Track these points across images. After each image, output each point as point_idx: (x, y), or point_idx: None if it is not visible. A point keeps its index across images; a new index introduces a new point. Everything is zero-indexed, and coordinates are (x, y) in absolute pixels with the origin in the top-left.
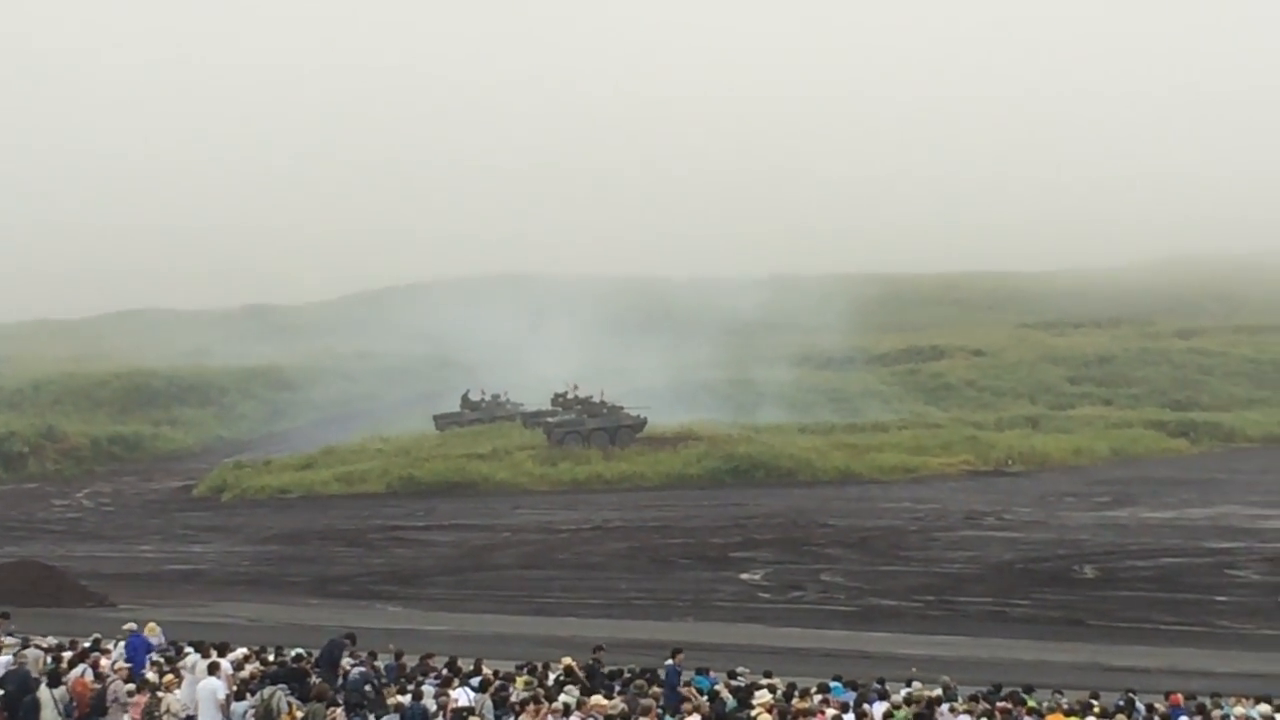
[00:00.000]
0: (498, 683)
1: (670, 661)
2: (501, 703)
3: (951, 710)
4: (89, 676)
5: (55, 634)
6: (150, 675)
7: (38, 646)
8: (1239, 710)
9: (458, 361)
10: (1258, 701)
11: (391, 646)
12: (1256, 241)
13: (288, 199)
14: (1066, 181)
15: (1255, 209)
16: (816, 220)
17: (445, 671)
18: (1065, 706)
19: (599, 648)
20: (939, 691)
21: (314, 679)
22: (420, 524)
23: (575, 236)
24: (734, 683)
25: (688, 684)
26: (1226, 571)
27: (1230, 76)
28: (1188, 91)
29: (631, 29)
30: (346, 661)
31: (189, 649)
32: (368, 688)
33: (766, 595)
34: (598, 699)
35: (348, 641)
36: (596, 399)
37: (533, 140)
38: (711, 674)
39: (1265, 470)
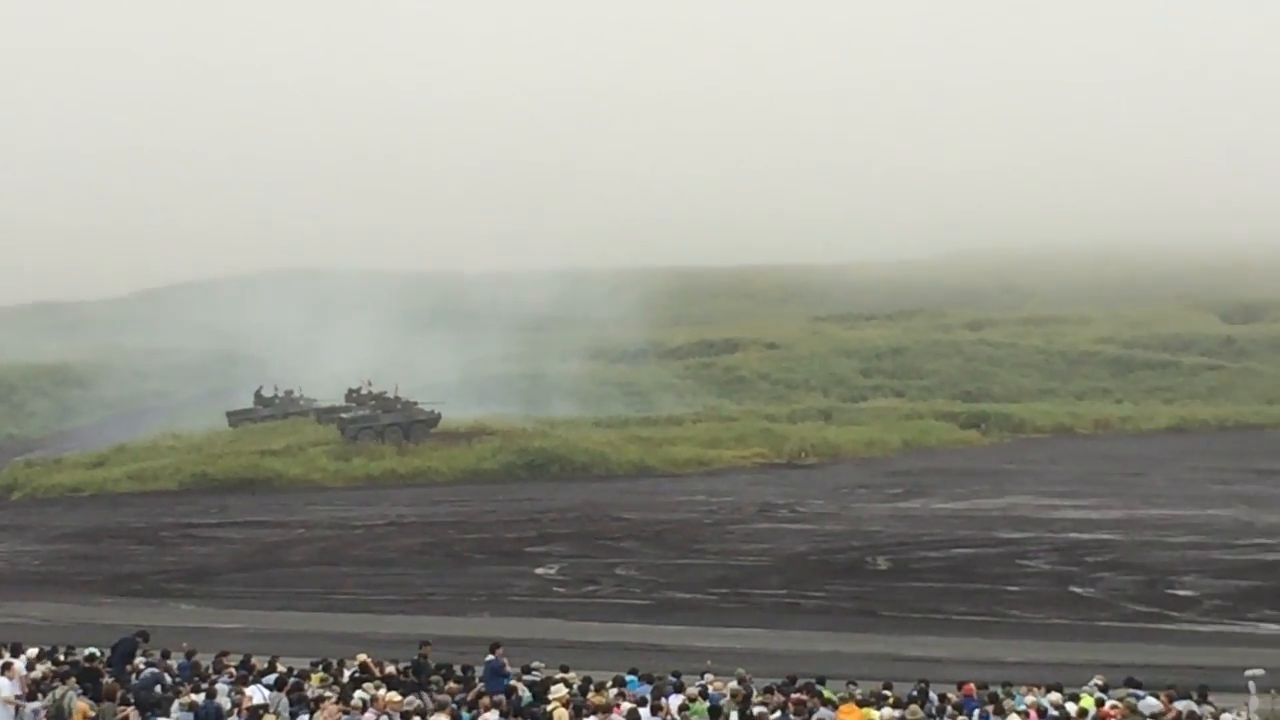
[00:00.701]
0: (293, 680)
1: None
2: (297, 700)
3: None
4: None
5: None
6: None
7: None
8: (1030, 699)
9: (249, 358)
10: (1049, 690)
11: (185, 645)
12: (1041, 235)
13: (75, 194)
14: (854, 176)
15: (1037, 203)
16: (608, 214)
17: (239, 670)
18: (859, 697)
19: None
20: (735, 684)
21: (106, 678)
22: (214, 521)
23: (365, 231)
24: (529, 677)
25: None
26: (1017, 561)
27: (1002, 71)
28: (968, 88)
29: (420, 26)
30: (139, 660)
31: None
32: (158, 687)
33: (562, 589)
34: (392, 695)
35: (140, 639)
36: (390, 394)
37: (322, 134)
38: (507, 668)
39: (1054, 460)
